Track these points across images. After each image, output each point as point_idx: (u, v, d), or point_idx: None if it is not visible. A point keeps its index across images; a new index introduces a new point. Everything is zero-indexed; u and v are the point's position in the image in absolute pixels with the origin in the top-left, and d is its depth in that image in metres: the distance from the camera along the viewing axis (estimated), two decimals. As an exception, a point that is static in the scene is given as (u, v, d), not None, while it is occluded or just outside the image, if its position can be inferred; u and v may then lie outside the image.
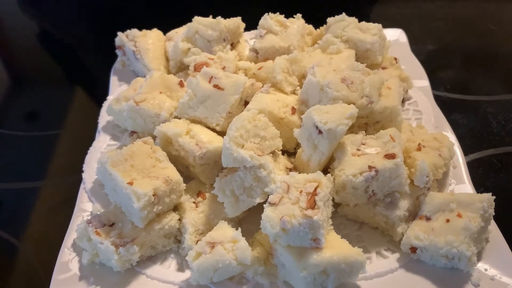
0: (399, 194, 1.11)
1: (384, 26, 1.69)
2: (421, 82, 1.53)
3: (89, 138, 1.41)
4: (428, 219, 1.09)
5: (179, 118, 1.24)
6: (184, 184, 1.12)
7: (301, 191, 1.01)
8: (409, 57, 1.62)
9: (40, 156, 1.53)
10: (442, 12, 2.17)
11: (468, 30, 2.02)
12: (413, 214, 1.13)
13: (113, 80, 1.58)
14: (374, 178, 1.07)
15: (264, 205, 1.00)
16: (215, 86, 1.23)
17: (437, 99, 1.57)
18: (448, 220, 1.05)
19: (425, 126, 1.35)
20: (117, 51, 1.60)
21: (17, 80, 1.97)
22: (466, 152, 1.43)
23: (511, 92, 1.66)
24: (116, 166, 1.07)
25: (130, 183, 1.03)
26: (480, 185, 1.33)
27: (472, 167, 1.39)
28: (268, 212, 0.98)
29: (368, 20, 1.47)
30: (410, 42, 1.71)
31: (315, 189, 1.00)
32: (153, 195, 1.03)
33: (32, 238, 1.26)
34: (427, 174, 1.10)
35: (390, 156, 1.08)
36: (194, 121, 1.23)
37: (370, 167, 1.07)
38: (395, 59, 1.49)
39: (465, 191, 1.19)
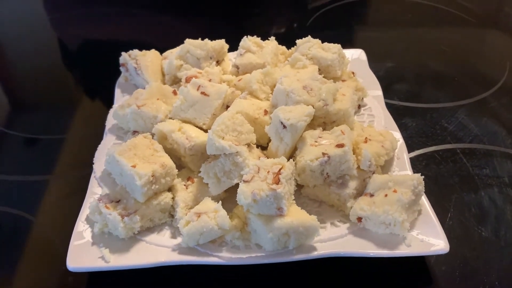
0: (349, 176, 1.38)
1: (349, 47, 2.01)
2: (376, 92, 1.80)
3: (93, 142, 1.66)
4: (371, 195, 1.35)
5: (173, 119, 1.52)
6: (177, 170, 1.38)
7: (268, 172, 1.27)
8: (367, 72, 1.89)
9: (51, 154, 1.77)
10: (403, 36, 2.49)
11: (423, 50, 2.32)
12: (360, 192, 1.39)
13: (117, 92, 1.85)
14: (327, 163, 1.34)
15: (239, 182, 1.28)
16: (202, 93, 1.49)
17: (391, 106, 1.86)
18: (386, 195, 1.32)
19: (376, 127, 1.63)
20: (121, 68, 1.81)
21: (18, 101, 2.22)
22: (413, 148, 1.71)
23: (453, 101, 1.95)
24: (122, 154, 1.34)
25: (134, 166, 1.29)
26: (423, 174, 1.59)
27: (417, 160, 1.67)
28: (242, 187, 1.25)
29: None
30: (372, 60, 1.97)
31: (280, 169, 1.27)
32: (152, 176, 1.29)
33: (48, 216, 1.50)
34: (370, 159, 1.38)
35: (340, 146, 1.36)
36: (185, 121, 1.45)
37: (323, 154, 1.34)
38: (353, 73, 1.78)
39: (406, 175, 1.46)
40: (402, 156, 1.54)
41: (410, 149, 1.65)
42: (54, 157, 1.76)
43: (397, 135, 1.60)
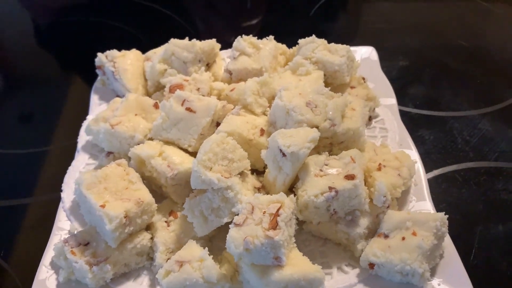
0: (359, 212, 1.18)
1: (357, 43, 1.77)
2: (389, 100, 1.58)
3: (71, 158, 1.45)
4: (386, 236, 1.15)
5: (153, 140, 1.30)
6: (156, 205, 1.18)
7: (264, 212, 1.07)
8: (378, 76, 1.67)
9: (27, 173, 1.55)
10: (416, 28, 2.22)
11: (440, 46, 2.07)
12: (373, 231, 1.20)
13: (93, 99, 1.63)
14: (334, 198, 1.13)
15: (229, 226, 1.07)
16: (188, 109, 1.29)
17: (405, 115, 1.65)
18: (403, 238, 1.12)
19: (390, 144, 1.42)
20: (97, 71, 1.63)
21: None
22: (430, 167, 1.50)
23: (477, 108, 1.72)
24: (90, 188, 1.13)
25: (103, 206, 1.09)
26: (442, 201, 1.39)
27: (435, 182, 1.46)
28: (232, 233, 1.05)
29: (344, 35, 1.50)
30: (382, 58, 1.76)
31: (278, 210, 1.07)
32: (125, 217, 1.09)
33: (14, 255, 1.31)
34: (385, 194, 1.17)
35: (350, 177, 1.15)
36: (167, 142, 1.29)
37: (330, 188, 1.13)
38: (363, 78, 1.56)
39: (425, 208, 1.25)
40: (420, 182, 1.33)
41: (427, 168, 1.46)
42: (31, 177, 1.52)
43: (414, 154, 1.39)
